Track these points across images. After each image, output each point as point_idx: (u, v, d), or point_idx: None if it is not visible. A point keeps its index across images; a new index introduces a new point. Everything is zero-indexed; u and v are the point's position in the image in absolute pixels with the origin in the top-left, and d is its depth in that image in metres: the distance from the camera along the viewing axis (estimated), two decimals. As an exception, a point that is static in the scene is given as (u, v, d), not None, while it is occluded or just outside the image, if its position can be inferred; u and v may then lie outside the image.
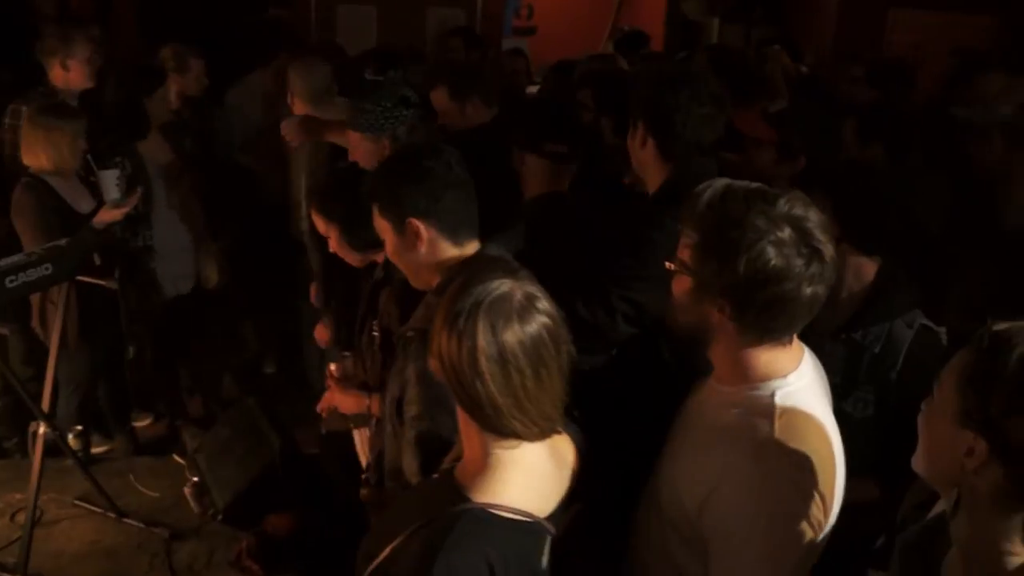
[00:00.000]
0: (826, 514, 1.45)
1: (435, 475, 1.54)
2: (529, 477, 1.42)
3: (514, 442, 1.38)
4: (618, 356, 2.22)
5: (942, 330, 2.09)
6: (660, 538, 1.61)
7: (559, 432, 1.48)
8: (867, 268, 2.10)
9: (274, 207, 4.27)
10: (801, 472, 1.41)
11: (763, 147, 3.08)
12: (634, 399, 2.06)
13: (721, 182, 1.49)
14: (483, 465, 1.40)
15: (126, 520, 3.45)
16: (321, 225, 2.56)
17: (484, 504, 1.37)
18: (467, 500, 1.37)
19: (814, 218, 1.43)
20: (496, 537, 1.36)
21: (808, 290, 1.41)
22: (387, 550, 1.38)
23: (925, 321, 2.07)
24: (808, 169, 2.99)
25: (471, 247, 1.89)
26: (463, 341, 1.31)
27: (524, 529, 1.39)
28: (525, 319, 1.33)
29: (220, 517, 3.27)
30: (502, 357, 1.30)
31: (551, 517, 1.45)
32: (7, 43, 5.44)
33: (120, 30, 5.53)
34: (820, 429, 1.47)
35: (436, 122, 3.24)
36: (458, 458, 1.49)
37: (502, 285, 1.34)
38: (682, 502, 1.52)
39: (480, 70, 3.64)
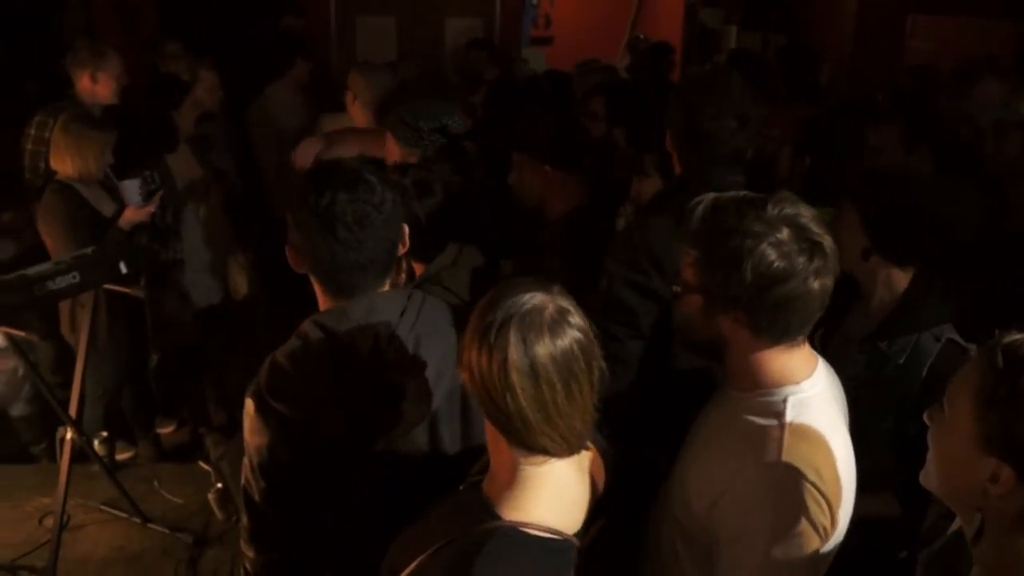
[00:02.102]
0: (832, 527, 1.44)
1: (461, 487, 1.53)
2: (558, 493, 1.40)
3: (543, 458, 1.36)
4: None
5: (972, 346, 2.04)
6: (670, 544, 1.62)
7: (587, 447, 1.48)
8: (898, 278, 2.08)
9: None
10: (805, 487, 1.41)
11: (788, 149, 3.09)
12: (653, 408, 2.06)
13: (709, 196, 1.51)
14: (512, 481, 1.38)
15: (151, 526, 3.48)
16: None
17: (515, 522, 1.35)
18: (497, 517, 1.36)
19: (806, 213, 1.46)
20: (526, 556, 1.34)
21: (815, 284, 1.43)
22: (413, 565, 1.37)
23: (953, 336, 2.03)
24: (820, 173, 2.99)
25: None
26: (494, 354, 1.29)
27: (554, 547, 1.38)
28: (557, 333, 1.31)
29: (244, 523, 3.31)
30: (533, 371, 1.29)
31: (577, 532, 1.44)
32: (34, 56, 5.55)
33: (144, 43, 5.60)
34: (825, 442, 1.45)
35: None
36: (483, 469, 1.49)
37: (534, 298, 1.32)
38: (691, 506, 1.53)
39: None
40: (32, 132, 3.93)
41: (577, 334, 1.33)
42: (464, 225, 2.41)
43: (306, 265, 1.66)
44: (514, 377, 1.28)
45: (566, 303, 1.35)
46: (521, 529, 1.35)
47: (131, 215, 3.66)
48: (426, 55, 6.19)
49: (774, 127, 3.62)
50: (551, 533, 1.37)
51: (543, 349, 1.29)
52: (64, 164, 3.58)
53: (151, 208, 3.72)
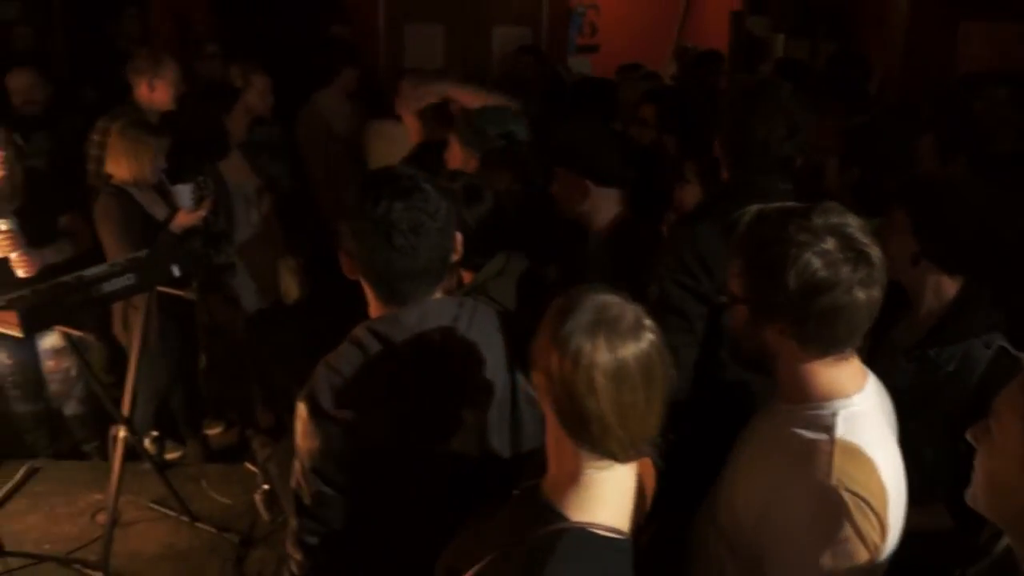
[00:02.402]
0: (882, 542, 1.42)
1: (516, 492, 1.54)
2: (619, 496, 1.42)
3: (608, 462, 1.37)
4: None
5: (1023, 355, 2.01)
6: (716, 555, 1.60)
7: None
8: (947, 286, 2.05)
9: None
10: (856, 503, 1.39)
11: (835, 158, 3.06)
12: (700, 418, 2.05)
13: (753, 207, 1.51)
14: (575, 483, 1.39)
15: (199, 524, 3.54)
16: None
17: (582, 523, 1.37)
18: (564, 519, 1.37)
19: (853, 223, 1.44)
20: (596, 556, 1.36)
21: (862, 295, 1.41)
22: (477, 567, 1.38)
23: (1004, 343, 2.00)
24: (870, 184, 2.95)
25: None
26: (579, 357, 1.30)
27: (620, 547, 1.39)
28: (638, 337, 1.33)
29: (290, 524, 3.35)
30: (618, 374, 1.30)
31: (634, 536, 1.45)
32: (93, 64, 5.70)
33: (200, 50, 5.72)
34: (875, 458, 1.43)
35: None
36: (537, 474, 1.49)
37: (612, 303, 1.34)
38: (739, 519, 1.52)
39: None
40: (95, 137, 4.04)
41: (654, 338, 1.35)
42: (512, 233, 2.43)
43: (360, 272, 1.68)
44: (599, 379, 1.29)
45: (640, 309, 1.37)
46: (590, 529, 1.37)
47: (183, 219, 3.74)
48: (473, 63, 6.24)
49: (822, 137, 3.58)
50: (616, 533, 1.39)
51: (627, 352, 1.31)
52: (119, 168, 3.69)
53: (202, 213, 3.80)
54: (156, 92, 4.13)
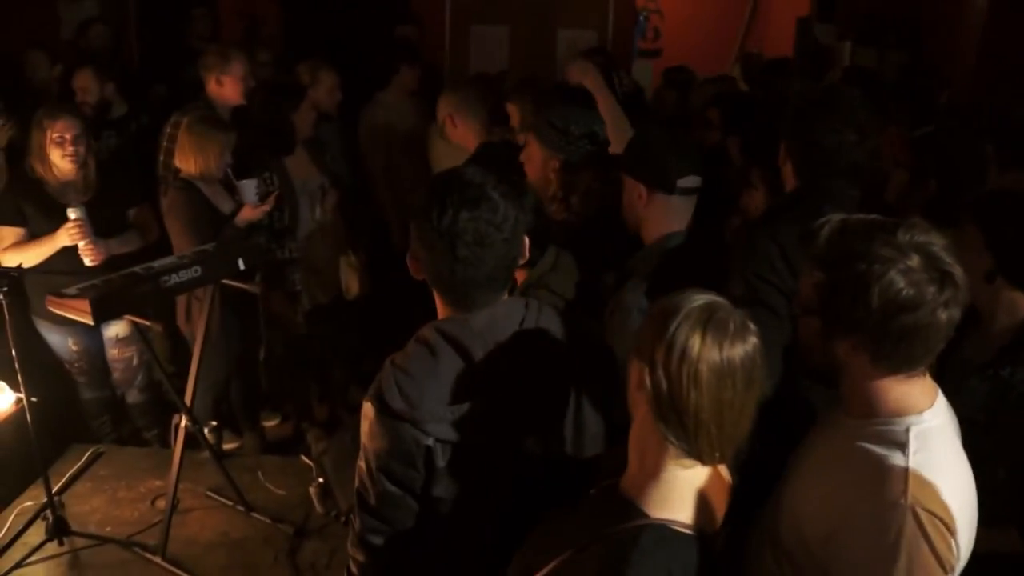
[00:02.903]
0: (957, 560, 1.39)
1: (592, 491, 1.55)
2: (700, 497, 1.43)
3: (692, 462, 1.39)
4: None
5: None
6: (775, 569, 1.57)
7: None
8: (1022, 304, 2.01)
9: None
10: (933, 523, 1.36)
11: (900, 169, 3.00)
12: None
13: (836, 217, 1.48)
14: (657, 481, 1.41)
15: (254, 515, 3.59)
16: None
17: (665, 520, 1.39)
18: (645, 516, 1.39)
19: (938, 242, 1.41)
20: (678, 552, 1.37)
21: (943, 315, 1.38)
22: (553, 563, 1.40)
23: None
24: (945, 197, 2.88)
25: None
26: (688, 351, 1.33)
27: (699, 546, 1.40)
28: (744, 338, 1.36)
29: (344, 519, 3.39)
30: (723, 371, 1.34)
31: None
32: (165, 62, 5.85)
33: (268, 48, 5.83)
34: (949, 476, 1.40)
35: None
36: (613, 473, 1.50)
37: (721, 304, 1.38)
38: (803, 536, 1.49)
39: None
40: (168, 130, 4.15)
41: (757, 342, 1.38)
42: (557, 229, 2.41)
43: (426, 276, 1.68)
44: (705, 373, 1.33)
45: (744, 313, 1.40)
46: (671, 526, 1.38)
47: (247, 214, 3.81)
48: (538, 65, 6.24)
49: (886, 146, 3.51)
50: (696, 532, 1.40)
51: (734, 352, 1.35)
52: (187, 162, 3.78)
53: (266, 207, 3.87)
54: (224, 87, 4.23)
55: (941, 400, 1.52)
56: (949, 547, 1.36)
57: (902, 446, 1.41)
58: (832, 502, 1.45)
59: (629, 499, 1.43)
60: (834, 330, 1.45)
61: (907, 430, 1.42)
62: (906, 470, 1.38)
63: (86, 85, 4.65)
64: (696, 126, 4.09)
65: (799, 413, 1.85)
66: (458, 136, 3.85)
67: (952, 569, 1.38)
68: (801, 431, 1.67)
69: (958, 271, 1.39)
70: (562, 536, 1.44)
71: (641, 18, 7.98)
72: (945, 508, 1.36)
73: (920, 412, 1.45)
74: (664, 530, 1.38)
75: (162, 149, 4.18)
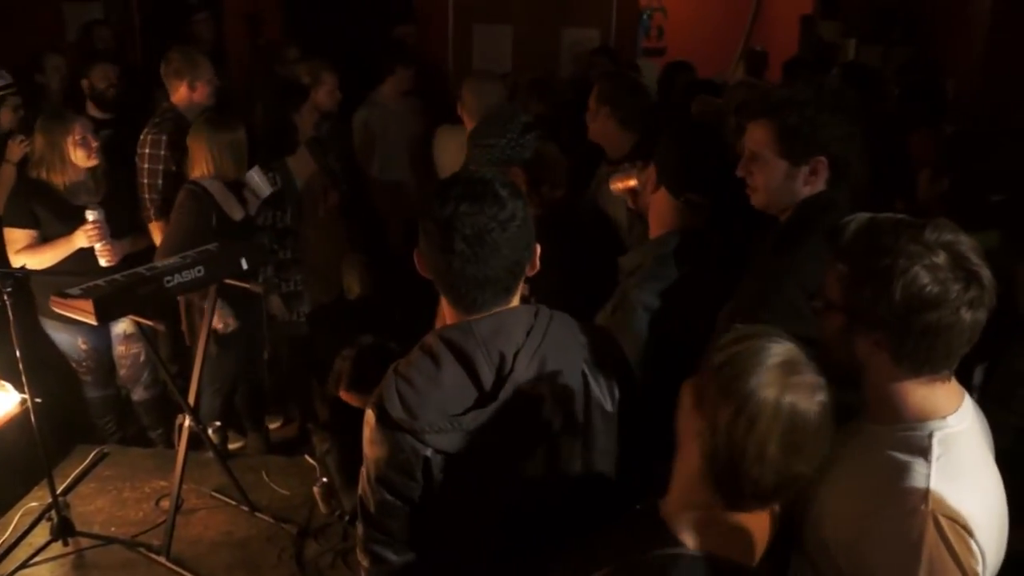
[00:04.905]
0: (980, 564, 1.36)
1: (638, 507, 1.51)
2: (741, 531, 1.38)
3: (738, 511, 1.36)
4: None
5: None
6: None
7: None
8: None
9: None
10: (956, 530, 1.34)
11: (927, 170, 2.97)
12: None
13: (863, 215, 1.46)
14: (698, 512, 1.37)
15: (258, 514, 3.59)
16: None
17: (700, 551, 1.35)
18: (680, 544, 1.35)
19: (966, 241, 1.38)
20: None
21: (967, 315, 1.35)
22: None
23: None
24: (970, 197, 2.84)
25: None
26: (756, 422, 1.27)
27: None
28: (818, 402, 1.31)
29: (347, 519, 3.39)
30: (795, 445, 1.28)
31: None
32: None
33: (282, 56, 5.83)
34: (973, 481, 1.39)
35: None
36: (654, 497, 1.46)
37: (798, 359, 1.33)
38: (827, 544, 1.47)
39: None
40: (147, 151, 4.05)
41: (827, 400, 1.33)
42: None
43: (428, 272, 1.63)
44: (771, 450, 1.27)
45: (816, 366, 1.35)
46: (707, 560, 1.34)
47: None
48: (541, 64, 6.24)
49: (914, 148, 3.47)
50: (734, 566, 1.36)
51: (808, 423, 1.29)
52: (200, 166, 3.76)
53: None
54: (196, 92, 4.18)
55: (967, 404, 1.49)
56: (971, 554, 1.34)
57: (925, 452, 1.39)
58: (855, 511, 1.43)
59: (666, 525, 1.38)
60: (856, 326, 1.43)
61: (930, 435, 1.40)
62: (928, 477, 1.36)
63: (106, 78, 4.69)
64: (728, 130, 4.05)
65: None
66: (465, 111, 3.87)
67: (976, 574, 1.35)
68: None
69: (985, 272, 1.37)
70: (595, 556, 1.40)
71: (645, 16, 7.98)
72: (967, 515, 1.34)
73: (944, 417, 1.42)
74: (697, 563, 1.33)
75: (143, 171, 4.04)
